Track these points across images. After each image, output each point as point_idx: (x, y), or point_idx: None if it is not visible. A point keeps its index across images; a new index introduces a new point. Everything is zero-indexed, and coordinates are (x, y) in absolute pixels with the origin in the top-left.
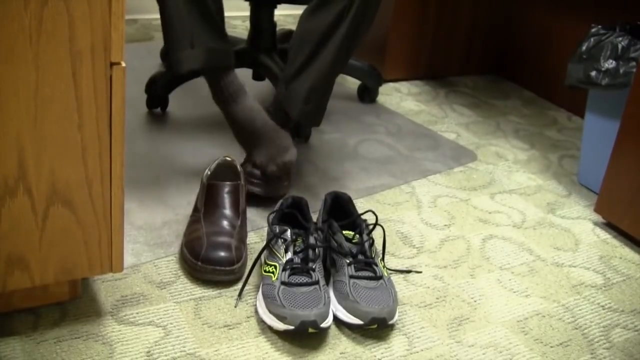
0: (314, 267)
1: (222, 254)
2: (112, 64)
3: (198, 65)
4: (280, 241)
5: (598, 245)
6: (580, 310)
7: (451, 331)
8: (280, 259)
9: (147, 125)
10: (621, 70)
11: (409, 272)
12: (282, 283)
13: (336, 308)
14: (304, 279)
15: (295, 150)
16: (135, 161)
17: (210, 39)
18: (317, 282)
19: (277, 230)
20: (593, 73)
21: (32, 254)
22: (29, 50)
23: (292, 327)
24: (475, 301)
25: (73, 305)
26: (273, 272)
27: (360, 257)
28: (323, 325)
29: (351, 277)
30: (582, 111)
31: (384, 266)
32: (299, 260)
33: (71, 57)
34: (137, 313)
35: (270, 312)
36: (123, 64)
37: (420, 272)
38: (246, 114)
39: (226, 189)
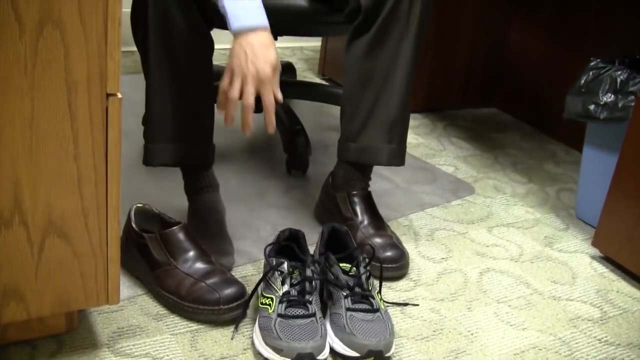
0: (310, 299)
1: (234, 288)
2: (108, 95)
3: (171, 162)
4: (277, 273)
5: (595, 278)
6: (577, 343)
7: None
8: (277, 292)
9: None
10: (620, 104)
11: (405, 304)
12: (279, 315)
13: (333, 340)
14: (300, 311)
15: (234, 259)
16: (131, 194)
17: (191, 138)
18: (313, 315)
19: (274, 263)
20: (592, 107)
21: (27, 285)
22: (24, 80)
23: None
24: (472, 334)
25: (69, 337)
26: (269, 305)
27: (357, 289)
28: (319, 357)
29: (348, 309)
30: (580, 145)
31: (380, 299)
32: (296, 293)
33: (67, 88)
34: (134, 345)
35: (266, 344)
36: (119, 95)
37: (417, 305)
38: (205, 207)
39: (180, 234)
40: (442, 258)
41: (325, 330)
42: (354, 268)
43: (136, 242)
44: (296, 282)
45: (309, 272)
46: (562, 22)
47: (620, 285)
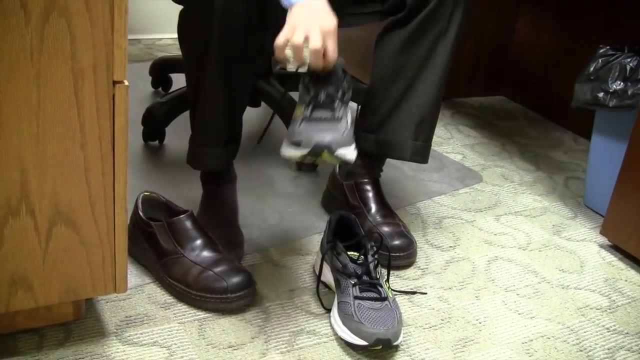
0: (336, 103)
1: (241, 276)
2: (114, 83)
3: (220, 167)
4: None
5: (603, 267)
6: (585, 332)
7: (456, 352)
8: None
9: (148, 149)
10: (629, 92)
11: (413, 293)
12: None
13: (341, 329)
14: None
15: (243, 251)
16: (138, 182)
17: (232, 138)
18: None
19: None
20: (600, 94)
21: (35, 274)
22: (31, 68)
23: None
24: (480, 323)
25: (77, 325)
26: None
27: (365, 278)
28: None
29: (356, 298)
30: (589, 133)
31: (388, 287)
32: (324, 97)
33: (73, 75)
34: (142, 333)
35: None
36: (126, 83)
37: (425, 293)
38: (220, 199)
39: (187, 222)
40: (450, 246)
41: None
42: (362, 256)
43: (143, 231)
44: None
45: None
46: (570, 8)
47: (628, 273)
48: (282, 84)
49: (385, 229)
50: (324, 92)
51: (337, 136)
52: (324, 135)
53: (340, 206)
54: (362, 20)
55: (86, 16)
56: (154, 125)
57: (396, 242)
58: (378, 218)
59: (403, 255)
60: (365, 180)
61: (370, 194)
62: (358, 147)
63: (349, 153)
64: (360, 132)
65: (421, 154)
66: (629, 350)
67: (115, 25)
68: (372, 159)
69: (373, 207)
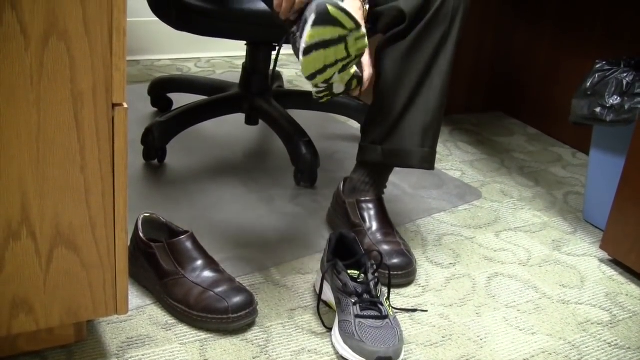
0: None
1: (242, 296)
2: (114, 105)
3: None
4: None
5: (604, 282)
6: (586, 347)
7: None
8: None
9: (148, 168)
10: (626, 106)
11: (414, 311)
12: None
13: (342, 348)
14: None
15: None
16: (138, 203)
17: None
18: None
19: None
20: (598, 109)
21: (36, 297)
22: (30, 92)
23: None
24: (481, 339)
25: (79, 347)
26: None
27: (365, 296)
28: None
29: (357, 316)
30: (587, 148)
31: (389, 305)
32: None
33: (73, 98)
34: (143, 355)
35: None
36: (125, 105)
37: (426, 310)
38: None
39: (188, 243)
40: (450, 263)
41: None
42: (362, 275)
43: (144, 252)
44: None
45: None
46: (567, 25)
47: (629, 288)
48: (277, 100)
49: (385, 247)
50: None
51: None
52: None
53: (343, 223)
54: None
55: (85, 39)
56: (154, 144)
57: (395, 261)
58: (378, 236)
59: (401, 274)
60: (367, 198)
61: (372, 212)
62: (365, 159)
63: None
64: (368, 144)
65: (429, 160)
66: None
67: (114, 48)
68: (378, 172)
69: (374, 225)
